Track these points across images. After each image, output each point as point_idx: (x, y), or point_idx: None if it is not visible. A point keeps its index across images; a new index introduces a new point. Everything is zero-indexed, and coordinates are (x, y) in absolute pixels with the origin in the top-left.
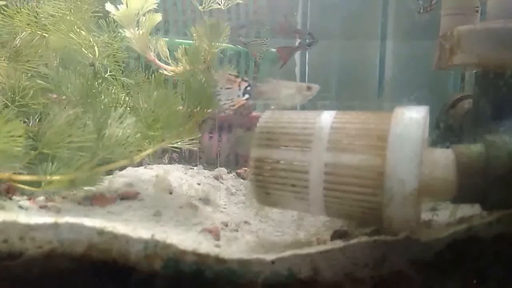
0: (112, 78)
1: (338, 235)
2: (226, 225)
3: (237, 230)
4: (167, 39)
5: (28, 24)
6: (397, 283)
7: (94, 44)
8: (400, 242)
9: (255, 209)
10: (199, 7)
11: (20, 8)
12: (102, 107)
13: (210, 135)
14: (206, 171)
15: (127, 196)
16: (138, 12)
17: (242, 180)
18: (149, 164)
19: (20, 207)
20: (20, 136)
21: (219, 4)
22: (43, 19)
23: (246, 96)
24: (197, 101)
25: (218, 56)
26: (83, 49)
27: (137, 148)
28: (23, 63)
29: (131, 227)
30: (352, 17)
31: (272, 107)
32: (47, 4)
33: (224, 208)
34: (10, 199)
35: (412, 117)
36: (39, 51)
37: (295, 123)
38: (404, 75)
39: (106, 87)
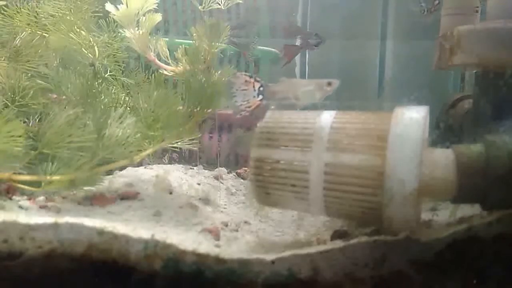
0: (112, 78)
1: (338, 235)
2: (226, 225)
3: (237, 230)
4: (167, 39)
5: (28, 24)
6: (397, 283)
7: (94, 44)
8: (400, 242)
9: (255, 209)
10: (199, 7)
11: (20, 8)
12: (102, 107)
13: (210, 135)
14: (206, 171)
15: (127, 196)
16: (138, 12)
17: (242, 180)
18: (149, 164)
19: (20, 207)
20: (20, 136)
21: (219, 4)
22: (43, 19)
23: (260, 97)
24: (197, 101)
25: (218, 56)
26: (83, 49)
27: (137, 148)
28: (23, 63)
29: (131, 227)
30: (352, 17)
31: (272, 107)
32: (47, 4)
33: (224, 208)
34: (10, 199)
35: (412, 117)
36: (39, 51)
37: (295, 123)
38: (404, 75)
39: (106, 87)
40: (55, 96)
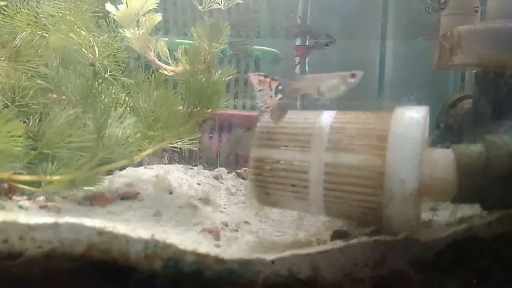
0: (112, 78)
1: (338, 235)
2: (226, 225)
3: (237, 230)
4: (167, 39)
5: (28, 24)
6: (397, 283)
7: (94, 44)
8: (400, 242)
9: (255, 209)
10: (199, 7)
11: (20, 8)
12: (102, 107)
13: (210, 135)
14: (206, 171)
15: (127, 196)
16: (138, 12)
17: (242, 180)
18: (149, 164)
19: (20, 207)
20: (20, 136)
21: (219, 4)
22: (43, 19)
23: (279, 95)
24: (197, 101)
25: (218, 56)
26: (83, 49)
27: (137, 148)
28: (23, 63)
29: (131, 227)
30: (352, 17)
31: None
32: (47, 4)
33: (224, 208)
34: (10, 199)
35: (412, 117)
36: (39, 51)
37: (295, 123)
38: (404, 75)
39: (106, 87)
40: (55, 96)
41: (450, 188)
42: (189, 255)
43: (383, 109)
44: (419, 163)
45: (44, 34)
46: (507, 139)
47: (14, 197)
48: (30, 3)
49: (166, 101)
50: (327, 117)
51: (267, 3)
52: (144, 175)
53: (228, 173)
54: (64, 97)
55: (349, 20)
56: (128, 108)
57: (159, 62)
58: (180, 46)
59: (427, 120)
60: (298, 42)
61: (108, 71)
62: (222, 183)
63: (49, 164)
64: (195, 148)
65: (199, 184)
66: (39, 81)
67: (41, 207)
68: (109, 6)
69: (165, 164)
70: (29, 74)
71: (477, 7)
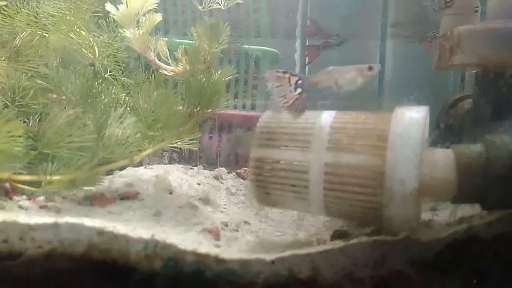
0: (112, 78)
1: (338, 235)
2: (226, 225)
3: (237, 230)
4: (167, 39)
5: (28, 24)
6: (397, 283)
7: (94, 44)
8: (400, 242)
9: (255, 209)
10: (199, 7)
11: (20, 8)
12: (102, 107)
13: (210, 135)
14: (206, 171)
15: (127, 196)
16: (138, 12)
17: (242, 180)
18: (149, 164)
19: (20, 207)
20: (20, 136)
21: (219, 4)
22: (43, 19)
23: (299, 90)
24: (197, 101)
25: (218, 56)
26: (83, 49)
27: (137, 148)
28: (23, 63)
29: (131, 227)
30: (352, 17)
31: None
32: (47, 4)
33: (224, 208)
34: (10, 199)
35: (412, 117)
36: (39, 51)
37: (295, 123)
38: (404, 75)
39: (106, 87)
40: (55, 96)
41: (450, 188)
42: (189, 255)
43: (383, 109)
44: (419, 163)
45: (44, 34)
46: (507, 139)
47: (14, 197)
48: (30, 3)
49: (166, 101)
50: (327, 117)
51: (267, 3)
52: (144, 175)
53: (228, 173)
54: (64, 97)
55: (349, 20)
56: (128, 108)
57: (159, 62)
58: (180, 46)
59: (427, 120)
60: (305, 42)
61: (108, 71)
62: (222, 183)
63: (49, 164)
64: (195, 148)
65: (199, 184)
66: (39, 81)
67: (41, 207)
68: (109, 6)
69: (165, 164)
70: (29, 74)
71: (477, 7)
